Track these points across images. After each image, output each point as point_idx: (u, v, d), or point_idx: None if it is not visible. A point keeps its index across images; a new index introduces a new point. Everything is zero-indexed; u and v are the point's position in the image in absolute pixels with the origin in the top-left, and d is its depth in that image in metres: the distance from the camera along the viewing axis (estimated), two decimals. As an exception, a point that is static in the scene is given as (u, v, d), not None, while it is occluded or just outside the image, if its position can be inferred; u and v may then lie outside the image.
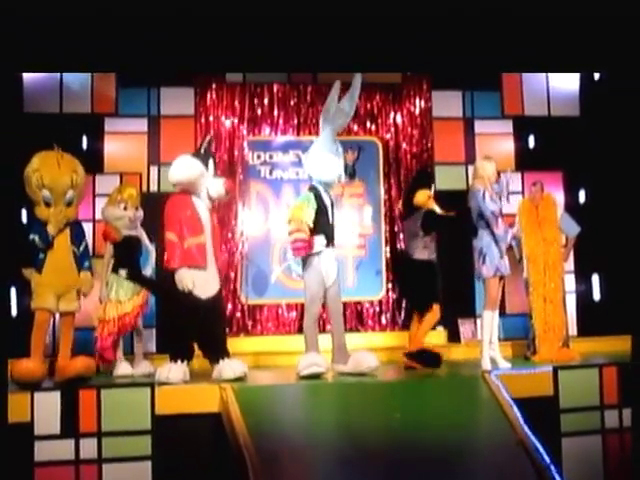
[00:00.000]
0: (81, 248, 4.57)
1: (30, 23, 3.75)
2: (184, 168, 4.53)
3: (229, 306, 6.05)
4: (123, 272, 5.05)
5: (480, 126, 6.50)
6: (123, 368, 5.01)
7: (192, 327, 4.44)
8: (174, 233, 4.42)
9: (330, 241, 4.63)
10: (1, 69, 3.95)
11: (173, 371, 4.30)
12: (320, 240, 4.59)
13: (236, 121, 6.34)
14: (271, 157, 6.37)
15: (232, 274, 6.13)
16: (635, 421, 4.05)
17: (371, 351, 4.74)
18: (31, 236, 4.41)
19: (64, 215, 4.48)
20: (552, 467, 3.69)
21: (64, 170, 4.48)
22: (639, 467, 3.90)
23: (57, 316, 4.65)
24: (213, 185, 4.58)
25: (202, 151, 4.68)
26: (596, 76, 6.58)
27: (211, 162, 4.67)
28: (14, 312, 5.31)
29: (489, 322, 4.80)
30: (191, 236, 4.44)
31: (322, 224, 4.58)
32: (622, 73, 5.22)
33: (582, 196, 6.56)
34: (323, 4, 3.75)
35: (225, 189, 4.59)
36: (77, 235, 4.58)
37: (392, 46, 4.00)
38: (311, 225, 4.54)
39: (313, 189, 4.68)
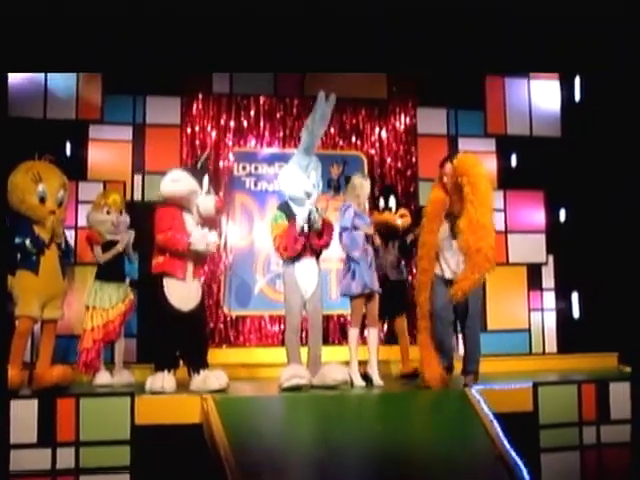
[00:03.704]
0: (70, 253, 4.60)
1: (16, 25, 3.73)
2: (176, 183, 4.53)
3: (212, 317, 6.02)
4: (105, 286, 5.00)
5: (464, 143, 6.58)
6: (103, 377, 4.94)
7: (174, 337, 4.42)
8: (164, 234, 4.42)
9: (306, 253, 4.61)
10: None
11: (167, 380, 4.28)
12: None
13: (222, 132, 6.35)
14: (256, 169, 6.37)
15: (215, 285, 6.11)
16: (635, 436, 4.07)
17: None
18: (18, 239, 4.35)
19: (58, 216, 4.47)
20: (532, 482, 3.71)
21: (56, 170, 4.62)
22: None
23: (38, 323, 4.58)
24: (204, 202, 4.57)
25: (198, 166, 4.68)
26: (577, 97, 6.72)
27: (206, 178, 4.66)
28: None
29: (353, 339, 4.90)
30: None
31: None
32: (601, 80, 5.31)
33: (563, 215, 6.66)
34: (310, 6, 3.76)
35: (216, 208, 4.59)
36: (65, 239, 4.58)
37: (377, 49, 4.02)
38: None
39: (282, 206, 4.69)
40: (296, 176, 4.65)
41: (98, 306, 4.96)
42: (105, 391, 4.52)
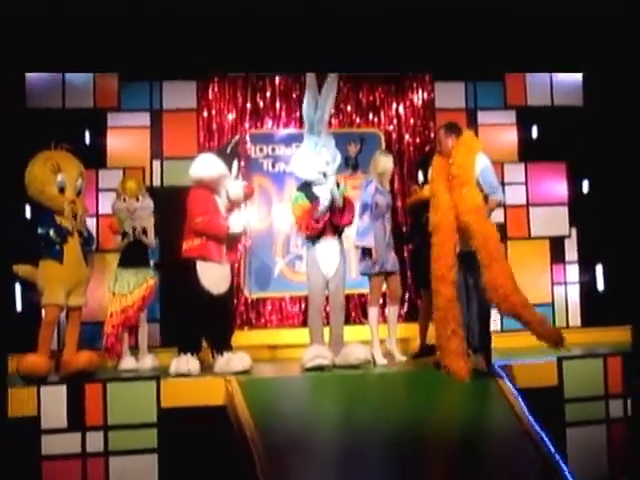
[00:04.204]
0: (90, 241, 4.66)
1: (32, 23, 3.75)
2: (205, 166, 4.56)
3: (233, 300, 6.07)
4: (126, 272, 5.05)
5: (483, 117, 6.47)
6: (128, 362, 5.04)
7: (202, 320, 4.47)
8: (202, 218, 4.46)
9: (327, 233, 4.59)
10: (4, 68, 3.94)
11: (191, 363, 4.34)
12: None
13: (238, 114, 6.33)
14: (274, 150, 6.36)
15: (235, 268, 6.13)
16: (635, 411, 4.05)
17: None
18: (41, 230, 4.41)
19: (79, 205, 4.52)
20: (557, 456, 3.69)
21: (74, 159, 4.65)
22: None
23: (63, 311, 4.67)
24: (233, 187, 4.59)
25: (228, 150, 4.68)
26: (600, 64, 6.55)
27: (235, 163, 4.67)
28: (19, 307, 5.33)
29: (373, 318, 4.87)
30: None
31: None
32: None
33: (586, 186, 6.54)
34: (325, 5, 3.72)
35: (245, 193, 4.61)
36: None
37: (394, 45, 3.96)
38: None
39: (301, 187, 4.67)
40: (307, 158, 4.62)
41: (117, 292, 5.04)
42: (131, 375, 4.61)
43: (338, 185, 4.64)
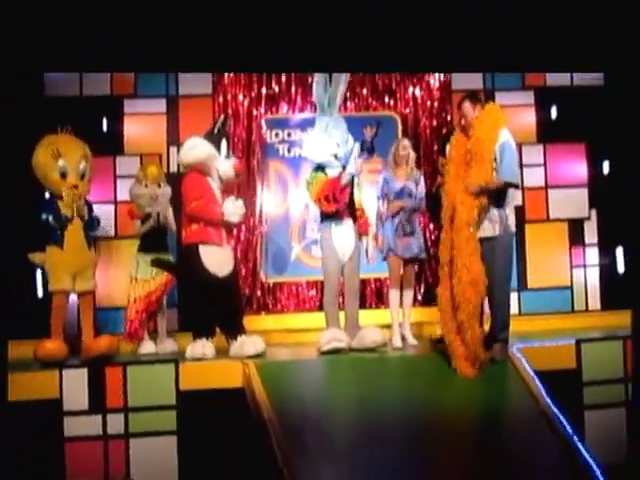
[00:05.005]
0: (94, 224, 4.68)
1: (47, 22, 3.74)
2: (192, 150, 4.56)
3: (249, 285, 6.08)
4: (147, 258, 5.07)
5: (501, 98, 6.36)
6: (147, 346, 5.09)
7: (211, 304, 4.50)
8: (197, 203, 4.46)
9: (343, 214, 4.59)
10: (22, 68, 3.97)
11: (206, 347, 4.38)
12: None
13: (254, 99, 6.32)
14: (289, 135, 6.34)
15: (251, 253, 6.16)
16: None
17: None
18: (44, 216, 4.48)
19: (80, 190, 4.54)
20: (575, 438, 3.68)
21: (77, 142, 4.67)
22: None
23: (74, 296, 4.72)
24: (222, 166, 4.59)
25: (215, 131, 4.68)
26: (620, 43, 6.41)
27: (224, 143, 4.66)
28: (40, 293, 5.41)
29: (392, 301, 4.87)
30: None
31: None
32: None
33: (606, 167, 6.44)
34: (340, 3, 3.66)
35: (235, 171, 4.59)
36: (89, 211, 4.67)
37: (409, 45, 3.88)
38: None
39: (318, 168, 4.65)
40: (318, 140, 4.61)
41: (140, 277, 5.07)
42: (150, 359, 4.67)
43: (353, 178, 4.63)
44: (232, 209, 4.50)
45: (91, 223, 4.68)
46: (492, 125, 4.09)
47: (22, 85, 4.43)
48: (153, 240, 5.15)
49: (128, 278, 5.15)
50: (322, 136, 4.59)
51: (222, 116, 4.97)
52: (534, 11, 3.75)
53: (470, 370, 4.02)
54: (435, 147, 6.30)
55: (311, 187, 4.62)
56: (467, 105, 4.17)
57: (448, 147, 4.35)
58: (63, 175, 4.54)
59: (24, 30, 3.57)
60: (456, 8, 3.70)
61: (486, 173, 4.01)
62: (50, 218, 4.46)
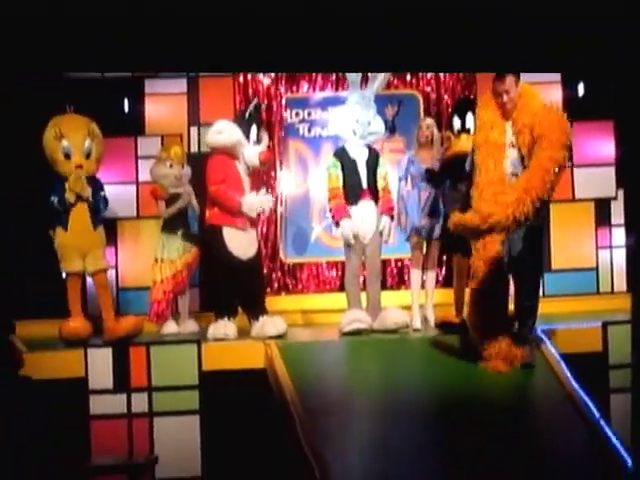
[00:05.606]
0: (100, 205, 4.64)
1: (62, 23, 3.70)
2: (220, 134, 4.53)
3: (269, 265, 6.07)
4: (172, 238, 5.07)
5: (526, 75, 6.25)
6: (170, 327, 5.12)
7: (234, 285, 4.50)
8: (217, 187, 4.44)
9: (360, 197, 4.58)
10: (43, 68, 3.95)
11: (228, 327, 4.40)
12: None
13: (274, 78, 6.26)
14: (309, 114, 6.28)
15: (272, 234, 6.15)
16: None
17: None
18: (51, 198, 4.50)
19: (85, 169, 4.52)
20: (602, 422, 3.63)
21: (80, 121, 4.67)
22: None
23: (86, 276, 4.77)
24: (248, 154, 4.57)
25: (246, 116, 4.64)
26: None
27: (254, 128, 4.63)
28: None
29: (414, 281, 4.83)
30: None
31: (348, 182, 4.59)
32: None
33: (635, 146, 6.28)
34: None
35: (260, 160, 4.58)
36: (96, 190, 4.64)
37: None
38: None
39: (337, 152, 4.68)
40: (340, 113, 4.66)
41: (166, 258, 5.07)
42: (173, 339, 4.70)
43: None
44: (252, 205, 4.49)
45: (96, 204, 4.65)
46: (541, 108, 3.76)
47: (42, 67, 4.41)
48: (177, 220, 5.14)
49: (150, 259, 5.15)
50: (345, 110, 4.63)
51: (255, 101, 4.95)
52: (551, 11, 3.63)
53: (503, 367, 3.86)
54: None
55: (327, 178, 4.68)
56: (512, 80, 3.79)
57: (476, 117, 3.98)
58: (67, 156, 4.55)
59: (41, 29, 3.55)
60: (456, 8, 3.59)
61: (563, 157, 3.67)
62: (55, 201, 4.48)
